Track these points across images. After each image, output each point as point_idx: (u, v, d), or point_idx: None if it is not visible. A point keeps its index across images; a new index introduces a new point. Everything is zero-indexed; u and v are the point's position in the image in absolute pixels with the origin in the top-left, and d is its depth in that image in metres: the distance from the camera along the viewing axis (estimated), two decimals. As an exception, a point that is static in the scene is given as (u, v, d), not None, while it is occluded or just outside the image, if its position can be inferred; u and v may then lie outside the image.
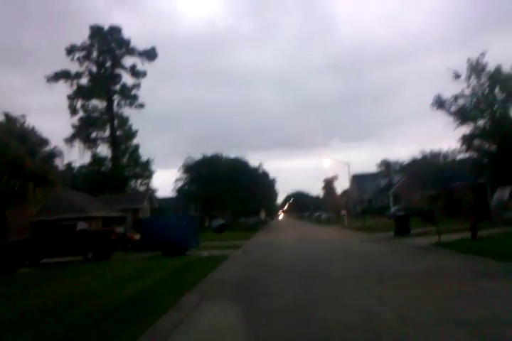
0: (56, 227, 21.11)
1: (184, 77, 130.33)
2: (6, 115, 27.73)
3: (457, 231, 18.94)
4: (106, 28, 52.91)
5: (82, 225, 21.94)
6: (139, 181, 53.99)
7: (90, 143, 51.44)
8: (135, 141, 53.32)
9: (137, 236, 23.17)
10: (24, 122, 44.85)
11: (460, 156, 33.71)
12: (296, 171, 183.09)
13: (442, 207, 28.90)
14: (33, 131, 25.86)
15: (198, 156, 55.38)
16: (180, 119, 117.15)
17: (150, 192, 52.23)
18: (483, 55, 28.46)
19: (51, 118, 67.87)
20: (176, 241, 20.19)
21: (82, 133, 51.00)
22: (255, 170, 59.21)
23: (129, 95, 52.84)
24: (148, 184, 54.76)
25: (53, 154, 24.31)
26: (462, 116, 29.11)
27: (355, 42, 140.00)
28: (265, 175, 63.58)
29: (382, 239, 22.70)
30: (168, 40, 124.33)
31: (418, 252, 15.75)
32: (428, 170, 37.37)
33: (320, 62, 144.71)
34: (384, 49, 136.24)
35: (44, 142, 24.44)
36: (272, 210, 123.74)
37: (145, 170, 53.90)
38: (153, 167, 55.01)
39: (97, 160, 51.55)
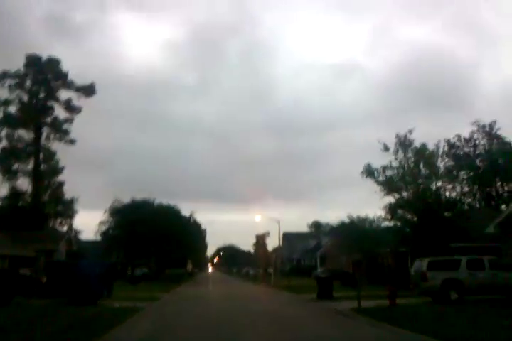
0: None
1: (120, 120, 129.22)
2: None
3: (378, 297, 18.94)
4: (44, 58, 51.56)
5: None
6: (60, 220, 50.66)
7: (10, 174, 48.09)
8: (60, 178, 50.59)
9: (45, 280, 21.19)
10: None
11: (385, 224, 34.96)
12: (228, 224, 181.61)
13: (365, 272, 29.22)
14: None
15: (126, 200, 53.30)
16: (111, 161, 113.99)
17: (70, 234, 48.98)
18: (410, 131, 30.71)
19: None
20: (86, 288, 18.58)
21: (3, 163, 47.74)
22: (186, 219, 57.67)
23: (59, 129, 50.73)
24: (69, 224, 51.50)
25: None
26: (388, 186, 30.64)
27: (292, 106, 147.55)
28: (196, 225, 62.07)
29: (304, 301, 22.26)
30: (108, 81, 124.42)
31: (336, 318, 15.39)
32: (354, 234, 38.14)
33: (256, 121, 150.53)
34: (318, 115, 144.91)
35: None
36: (201, 262, 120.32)
37: (67, 210, 50.82)
38: (78, 207, 52.14)
39: (15, 193, 48.02)
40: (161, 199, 55.96)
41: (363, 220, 39.14)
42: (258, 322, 13.96)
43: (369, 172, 31.53)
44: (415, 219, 30.04)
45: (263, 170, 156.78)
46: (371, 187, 31.42)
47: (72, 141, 51.32)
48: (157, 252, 51.72)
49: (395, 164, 31.25)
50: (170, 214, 53.42)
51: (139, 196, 53.74)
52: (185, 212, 58.31)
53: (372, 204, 50.98)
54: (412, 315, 14.00)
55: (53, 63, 51.59)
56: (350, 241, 36.99)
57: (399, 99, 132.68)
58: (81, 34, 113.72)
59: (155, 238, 49.22)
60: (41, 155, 49.88)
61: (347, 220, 39.45)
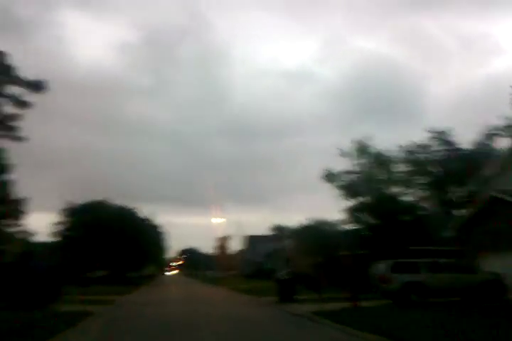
0: None
1: (74, 121, 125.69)
2: None
3: (341, 300, 18.71)
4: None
5: None
6: (9, 221, 48.09)
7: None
8: (9, 177, 48.00)
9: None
10: None
11: (346, 227, 35.19)
12: (188, 227, 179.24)
13: (326, 274, 29.14)
14: None
15: (81, 201, 51.39)
16: (65, 162, 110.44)
17: (20, 235, 46.59)
18: (368, 137, 31.11)
19: None
20: (34, 291, 17.41)
21: None
22: (144, 220, 56.16)
23: (7, 126, 48.17)
24: (19, 225, 48.99)
25: None
26: (348, 190, 30.89)
27: (247, 111, 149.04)
28: (155, 226, 60.56)
29: (265, 304, 21.80)
30: (59, 79, 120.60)
31: (295, 321, 14.97)
32: (316, 237, 38.25)
33: (214, 124, 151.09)
34: (274, 121, 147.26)
35: None
36: (162, 265, 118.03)
37: (17, 210, 48.31)
38: (31, 208, 49.54)
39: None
40: (119, 201, 54.37)
41: (323, 223, 39.36)
42: (216, 326, 13.37)
43: (329, 176, 31.77)
44: (375, 222, 30.33)
45: (222, 174, 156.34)
46: (331, 191, 31.66)
47: (21, 138, 48.74)
48: (115, 254, 50.12)
49: (354, 169, 31.60)
50: (127, 215, 51.97)
51: (95, 198, 52.06)
52: (144, 214, 56.91)
53: (332, 208, 51.51)
54: (372, 317, 13.79)
55: (0, 55, 48.98)
56: (312, 243, 36.97)
57: (351, 106, 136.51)
58: (26, 30, 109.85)
59: (112, 239, 47.69)
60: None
61: (308, 223, 39.56)
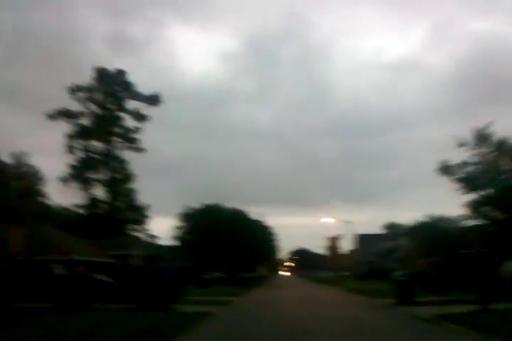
0: (30, 270, 19.59)
1: (184, 129, 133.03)
2: None
3: (465, 302, 17.14)
4: (112, 71, 53.59)
5: (59, 269, 20.39)
6: (135, 226, 52.35)
7: (86, 184, 50.43)
8: (133, 185, 52.29)
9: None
10: (23, 159, 44.65)
11: (468, 223, 32.37)
12: (299, 228, 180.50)
13: (448, 274, 27.05)
14: (6, 164, 24.93)
15: (197, 205, 53.99)
16: (179, 169, 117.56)
17: (145, 239, 50.46)
18: (489, 125, 28.10)
19: (49, 159, 68.14)
20: (157, 293, 18.49)
21: (79, 173, 50.18)
22: (257, 222, 57.40)
23: (129, 138, 52.57)
24: (143, 230, 53.09)
25: (30, 190, 23.25)
26: (467, 183, 28.30)
27: (352, 107, 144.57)
28: (266, 228, 61.62)
29: (382, 306, 20.81)
30: (171, 91, 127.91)
31: (420, 326, 13.90)
32: (435, 235, 35.79)
33: (318, 124, 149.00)
34: (380, 115, 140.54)
35: (21, 176, 23.48)
36: (273, 266, 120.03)
37: (141, 216, 52.40)
38: (152, 214, 53.60)
39: (92, 202, 50.30)
40: (231, 204, 56.13)
41: (442, 219, 36.72)
42: (334, 330, 12.89)
43: (445, 169, 29.39)
44: (501, 216, 27.49)
45: (329, 173, 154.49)
46: (448, 185, 29.24)
47: (141, 149, 52.99)
48: (229, 256, 51.89)
49: (473, 160, 28.85)
50: (240, 218, 53.45)
51: (209, 202, 54.31)
52: (255, 216, 58.14)
53: (451, 203, 47.77)
54: (508, 322, 12.30)
55: (121, 74, 53.63)
56: (431, 242, 34.67)
57: (465, 94, 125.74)
58: (141, 49, 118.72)
59: (226, 242, 49.40)
60: (114, 164, 51.85)
61: (425, 220, 37.19)
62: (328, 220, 52.06)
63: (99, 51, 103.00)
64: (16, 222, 19.92)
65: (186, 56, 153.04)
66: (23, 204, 20.48)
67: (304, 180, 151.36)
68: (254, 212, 57.85)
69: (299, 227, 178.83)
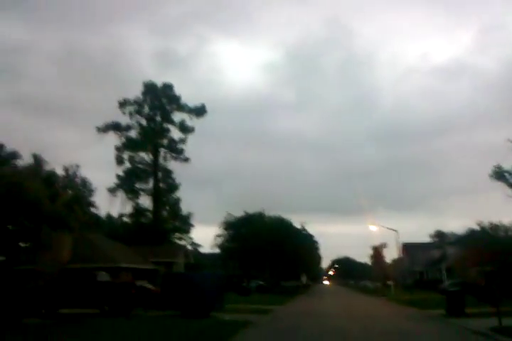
0: (75, 276, 20.08)
1: (227, 139, 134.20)
2: (35, 156, 28.17)
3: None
4: (159, 84, 55.19)
5: (103, 276, 20.80)
6: (178, 235, 53.25)
7: (133, 194, 51.91)
8: (177, 195, 53.37)
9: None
10: (69, 171, 46.20)
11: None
12: (341, 236, 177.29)
13: (503, 285, 25.54)
14: (55, 175, 25.86)
15: (239, 213, 54.20)
16: (221, 177, 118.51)
17: (188, 247, 51.11)
18: None
19: (99, 170, 70.63)
20: (199, 300, 18.50)
21: (126, 184, 51.73)
22: (298, 231, 56.83)
23: (175, 149, 53.89)
24: (186, 238, 53.95)
25: (77, 199, 23.98)
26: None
27: (395, 113, 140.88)
28: (309, 237, 60.89)
29: (432, 318, 19.90)
30: (215, 103, 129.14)
31: (475, 339, 13.16)
32: (487, 243, 34.11)
33: (362, 132, 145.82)
34: (425, 121, 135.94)
35: (72, 186, 24.31)
36: (315, 275, 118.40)
37: (185, 224, 53.27)
38: (194, 222, 54.44)
39: (138, 211, 51.60)
40: (273, 212, 55.91)
41: (496, 227, 35.01)
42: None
43: (499, 174, 27.97)
44: None
45: (373, 180, 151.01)
46: (502, 191, 27.82)
47: (186, 160, 54.21)
48: (271, 264, 51.57)
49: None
50: (282, 226, 53.13)
51: (251, 210, 54.39)
52: (297, 224, 57.64)
53: (504, 210, 45.60)
54: None
55: (167, 88, 55.35)
56: (483, 251, 33.06)
57: None
58: (186, 64, 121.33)
59: (269, 250, 49.14)
60: (159, 175, 53.16)
61: (477, 228, 35.63)
62: (373, 228, 50.75)
63: (147, 67, 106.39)
64: (64, 229, 20.56)
65: (230, 69, 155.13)
66: (71, 212, 21.07)
67: (348, 188, 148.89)
68: (296, 221, 57.54)
69: (343, 236, 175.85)
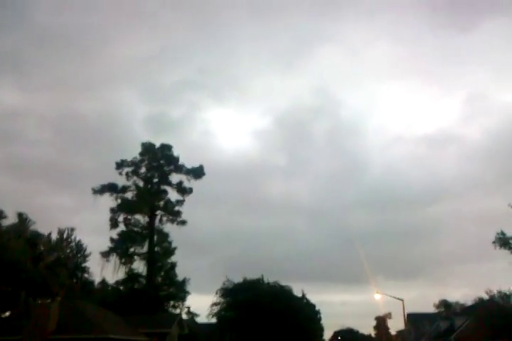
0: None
1: (222, 203, 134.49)
2: (20, 215, 27.42)
3: None
4: (157, 145, 55.58)
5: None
6: (172, 303, 50.65)
7: (127, 258, 49.99)
8: (172, 259, 51.52)
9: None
10: (65, 233, 45.25)
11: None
12: (342, 305, 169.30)
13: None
14: (39, 235, 25.05)
15: (236, 280, 52.19)
16: (217, 241, 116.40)
17: (183, 316, 48.38)
18: None
19: (94, 234, 69.15)
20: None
21: (120, 247, 50.04)
22: (299, 299, 54.45)
23: (172, 211, 52.81)
24: (181, 306, 51.27)
25: (61, 262, 22.93)
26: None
27: (386, 180, 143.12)
28: (310, 305, 58.21)
29: None
30: (207, 167, 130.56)
31: None
32: (498, 314, 32.45)
33: (352, 197, 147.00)
34: (416, 188, 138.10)
35: (59, 248, 23.41)
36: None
37: (180, 291, 50.84)
38: (189, 289, 52.04)
39: (131, 276, 49.42)
40: (271, 279, 53.97)
41: (502, 296, 33.58)
42: None
43: (503, 241, 27.46)
44: None
45: (371, 247, 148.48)
46: (507, 258, 27.07)
47: (183, 222, 52.94)
48: (271, 335, 48.69)
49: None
50: (281, 294, 50.97)
51: (249, 277, 52.48)
52: (295, 292, 55.43)
53: (508, 277, 44.05)
54: None
55: (166, 148, 55.48)
56: (494, 321, 31.38)
57: (505, 165, 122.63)
58: (179, 128, 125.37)
59: (268, 319, 46.69)
60: (155, 238, 51.64)
61: (485, 297, 34.17)
62: (377, 297, 48.47)
63: (140, 131, 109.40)
64: (46, 295, 19.36)
65: (221, 134, 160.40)
66: (53, 276, 20.00)
67: (346, 255, 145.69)
68: (296, 289, 55.35)
69: (344, 305, 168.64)
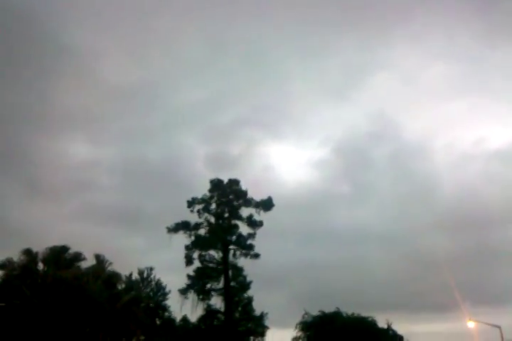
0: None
1: (290, 235, 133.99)
2: (97, 257, 28.53)
3: None
4: (225, 180, 56.67)
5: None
6: (252, 338, 49.90)
7: (204, 294, 50.49)
8: (248, 293, 51.26)
9: None
10: (145, 273, 46.65)
11: None
12: (432, 336, 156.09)
13: None
14: (118, 275, 25.86)
15: (315, 313, 50.34)
16: (288, 274, 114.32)
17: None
18: None
19: (170, 272, 71.13)
20: None
21: (197, 284, 50.72)
22: (384, 331, 51.19)
23: (244, 245, 53.07)
24: (261, 342, 50.32)
25: (138, 300, 23.49)
26: None
27: (460, 199, 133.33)
28: (397, 337, 54.33)
29: None
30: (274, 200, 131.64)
31: None
32: None
33: (424, 220, 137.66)
34: (496, 205, 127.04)
35: (136, 287, 24.06)
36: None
37: (258, 326, 50.08)
38: (267, 323, 51.19)
39: (209, 312, 49.67)
40: (351, 311, 51.52)
41: None
42: None
43: None
44: None
45: (454, 271, 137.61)
46: None
47: (256, 255, 53.00)
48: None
49: None
50: (364, 325, 48.36)
51: (326, 309, 50.57)
52: (381, 324, 52.20)
53: None
54: None
55: (234, 183, 56.54)
56: None
57: None
58: (238, 164, 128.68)
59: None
60: (230, 273, 51.92)
61: None
62: (468, 326, 44.33)
63: (203, 170, 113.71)
64: (127, 335, 19.84)
65: (281, 167, 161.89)
66: (132, 316, 20.48)
67: (425, 281, 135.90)
68: (379, 320, 52.25)
69: (433, 335, 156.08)
